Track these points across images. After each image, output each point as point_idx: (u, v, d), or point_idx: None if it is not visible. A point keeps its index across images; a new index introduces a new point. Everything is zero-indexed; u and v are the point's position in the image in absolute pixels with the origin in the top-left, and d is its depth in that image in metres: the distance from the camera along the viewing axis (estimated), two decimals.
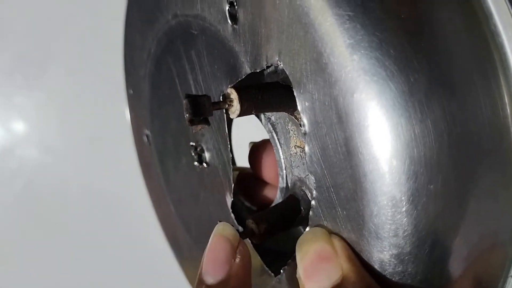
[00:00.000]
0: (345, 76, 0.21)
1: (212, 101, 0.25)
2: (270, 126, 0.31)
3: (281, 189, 0.31)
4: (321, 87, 0.22)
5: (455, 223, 0.22)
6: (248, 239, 0.32)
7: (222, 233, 0.26)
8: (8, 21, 0.84)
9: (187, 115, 0.24)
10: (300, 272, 0.24)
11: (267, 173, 0.34)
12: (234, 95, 0.25)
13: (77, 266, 0.85)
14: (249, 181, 0.35)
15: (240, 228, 0.32)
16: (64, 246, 0.86)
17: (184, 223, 0.41)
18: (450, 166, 0.21)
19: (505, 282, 0.24)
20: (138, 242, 0.77)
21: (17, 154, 0.87)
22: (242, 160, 0.37)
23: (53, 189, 0.86)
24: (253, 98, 0.25)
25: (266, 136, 0.32)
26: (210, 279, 0.25)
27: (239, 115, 0.25)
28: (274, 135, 0.31)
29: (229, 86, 0.26)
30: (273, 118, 0.31)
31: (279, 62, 0.24)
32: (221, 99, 0.25)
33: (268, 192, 0.35)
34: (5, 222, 0.88)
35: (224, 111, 0.30)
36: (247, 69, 0.27)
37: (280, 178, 0.31)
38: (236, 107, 0.25)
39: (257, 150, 0.34)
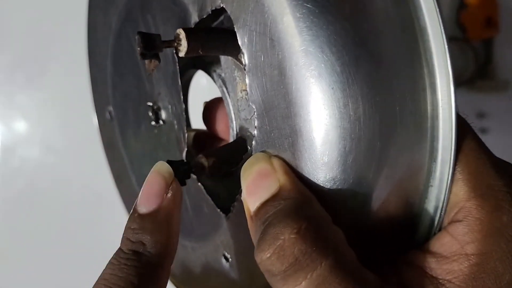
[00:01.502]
0: (276, 3, 0.24)
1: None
2: (220, 81, 0.34)
3: (232, 138, 0.33)
4: (257, 18, 0.25)
5: (376, 132, 0.24)
6: (200, 184, 0.34)
7: (158, 170, 0.28)
8: (9, 21, 0.86)
9: (139, 48, 0.27)
10: (244, 192, 0.27)
11: (220, 128, 0.36)
12: (182, 34, 0.27)
13: (77, 265, 0.84)
14: (205, 140, 0.38)
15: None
16: (64, 244, 0.86)
17: None
18: (369, 77, 0.24)
19: (427, 192, 0.26)
20: None
21: (18, 153, 0.88)
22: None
23: (54, 188, 0.87)
24: (201, 38, 0.28)
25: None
26: (143, 209, 0.28)
27: (187, 53, 0.28)
28: (224, 88, 0.33)
29: None
30: (222, 74, 0.33)
31: (221, 4, 0.27)
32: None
33: None
34: (6, 221, 0.89)
35: (177, 62, 0.32)
36: (195, 18, 0.30)
37: (231, 130, 0.33)
38: (184, 44, 0.27)
39: (210, 108, 0.36)
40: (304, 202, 0.24)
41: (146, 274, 0.26)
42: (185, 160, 0.34)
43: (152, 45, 0.27)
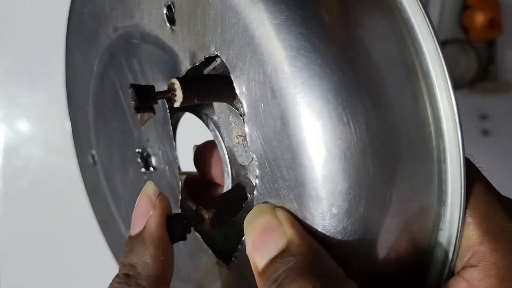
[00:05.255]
0: (276, 53, 0.24)
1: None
2: (212, 124, 0.33)
3: (228, 184, 0.32)
4: (255, 67, 0.25)
5: (386, 180, 0.24)
6: (198, 234, 0.33)
7: (144, 191, 0.28)
8: (12, 22, 0.86)
9: (133, 102, 0.25)
10: (249, 247, 0.26)
11: (214, 172, 0.35)
12: (176, 84, 0.26)
13: (80, 264, 0.84)
14: (197, 184, 0.37)
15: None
16: (68, 244, 0.85)
17: None
18: (376, 127, 0.23)
19: (437, 235, 0.26)
20: None
21: (22, 153, 0.89)
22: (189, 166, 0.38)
23: (57, 188, 0.87)
24: (195, 86, 0.27)
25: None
26: (132, 232, 0.28)
27: (183, 103, 0.27)
28: (217, 132, 0.32)
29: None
30: (215, 117, 0.32)
31: (215, 52, 0.27)
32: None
33: (217, 192, 0.36)
34: (10, 220, 0.88)
35: (167, 108, 0.31)
36: (187, 66, 0.29)
37: (226, 174, 0.32)
38: (179, 95, 0.26)
39: (202, 151, 0.35)
40: (315, 258, 0.23)
41: None
42: (179, 208, 0.33)
43: (146, 98, 0.26)
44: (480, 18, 0.83)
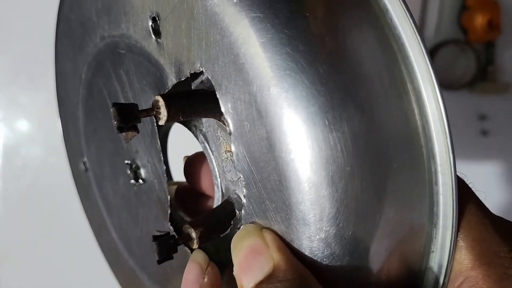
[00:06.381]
0: (261, 73, 0.23)
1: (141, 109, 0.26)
2: (202, 136, 0.32)
3: (218, 197, 0.32)
4: (241, 86, 0.24)
5: (375, 204, 0.23)
6: (186, 247, 0.32)
7: (193, 258, 0.29)
8: (12, 21, 0.85)
9: (115, 122, 0.24)
10: (236, 269, 0.25)
11: (204, 184, 0.34)
12: (161, 102, 0.26)
13: (79, 264, 0.84)
14: (188, 194, 0.36)
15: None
16: (68, 244, 0.86)
17: (126, 247, 0.40)
18: (364, 150, 0.23)
19: (428, 257, 0.25)
20: None
21: (21, 153, 0.89)
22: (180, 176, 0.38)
23: (57, 188, 0.86)
24: (180, 104, 0.26)
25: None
26: None
27: (168, 121, 0.26)
28: (206, 145, 0.32)
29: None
30: (204, 129, 0.32)
31: (201, 68, 0.26)
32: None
33: (207, 204, 0.36)
34: (10, 220, 0.88)
35: (155, 122, 0.31)
36: (173, 80, 0.28)
37: (216, 187, 0.32)
38: (163, 113, 0.26)
39: (192, 163, 0.34)
40: (301, 284, 0.23)
41: None
42: (169, 222, 0.33)
43: (130, 117, 0.25)
44: (479, 19, 0.82)
